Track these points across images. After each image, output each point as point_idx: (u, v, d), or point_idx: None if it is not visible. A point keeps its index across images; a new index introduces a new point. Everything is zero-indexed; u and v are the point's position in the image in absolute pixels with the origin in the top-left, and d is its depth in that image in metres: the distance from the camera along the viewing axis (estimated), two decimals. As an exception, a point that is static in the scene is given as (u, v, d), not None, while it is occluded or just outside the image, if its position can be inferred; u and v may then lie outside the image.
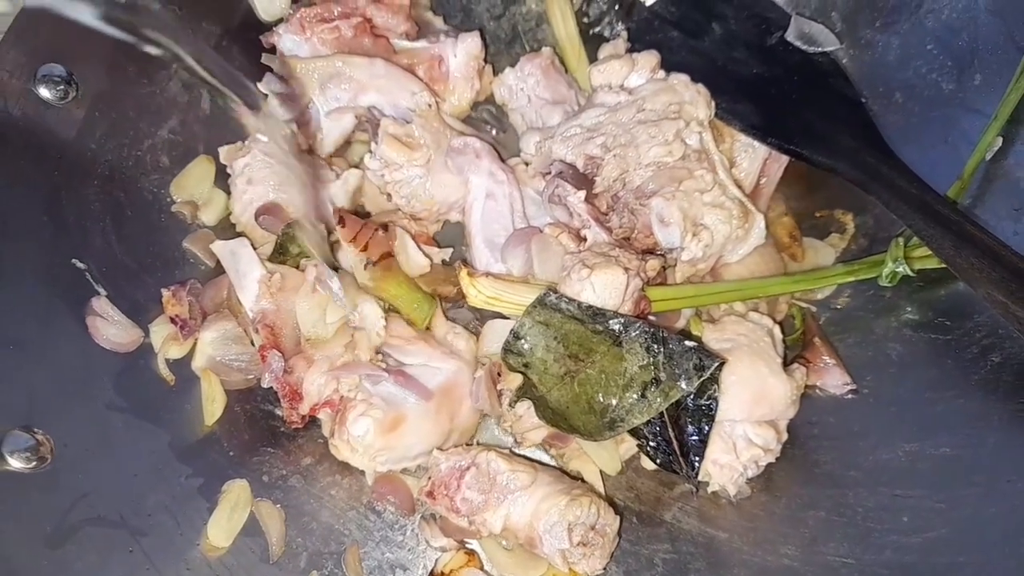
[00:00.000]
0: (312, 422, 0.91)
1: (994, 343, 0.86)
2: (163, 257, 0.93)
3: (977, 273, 0.78)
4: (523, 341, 0.83)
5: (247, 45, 1.00)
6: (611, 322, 0.81)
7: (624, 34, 1.05)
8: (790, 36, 1.01)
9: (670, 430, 0.84)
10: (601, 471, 0.91)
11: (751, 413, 0.86)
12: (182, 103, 0.96)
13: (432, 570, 0.88)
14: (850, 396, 0.92)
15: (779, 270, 0.97)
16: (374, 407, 0.84)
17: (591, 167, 0.93)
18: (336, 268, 0.90)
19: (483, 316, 0.94)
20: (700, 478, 0.87)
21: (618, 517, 0.85)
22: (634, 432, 0.85)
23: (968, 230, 0.80)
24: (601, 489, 0.90)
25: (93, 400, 0.82)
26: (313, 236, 0.92)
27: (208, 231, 0.97)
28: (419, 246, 0.94)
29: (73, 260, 0.85)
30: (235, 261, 0.88)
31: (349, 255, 0.91)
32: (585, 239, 0.90)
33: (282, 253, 0.90)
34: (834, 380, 0.93)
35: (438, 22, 1.08)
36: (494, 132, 1.08)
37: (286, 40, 0.98)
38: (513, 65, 1.04)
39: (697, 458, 0.84)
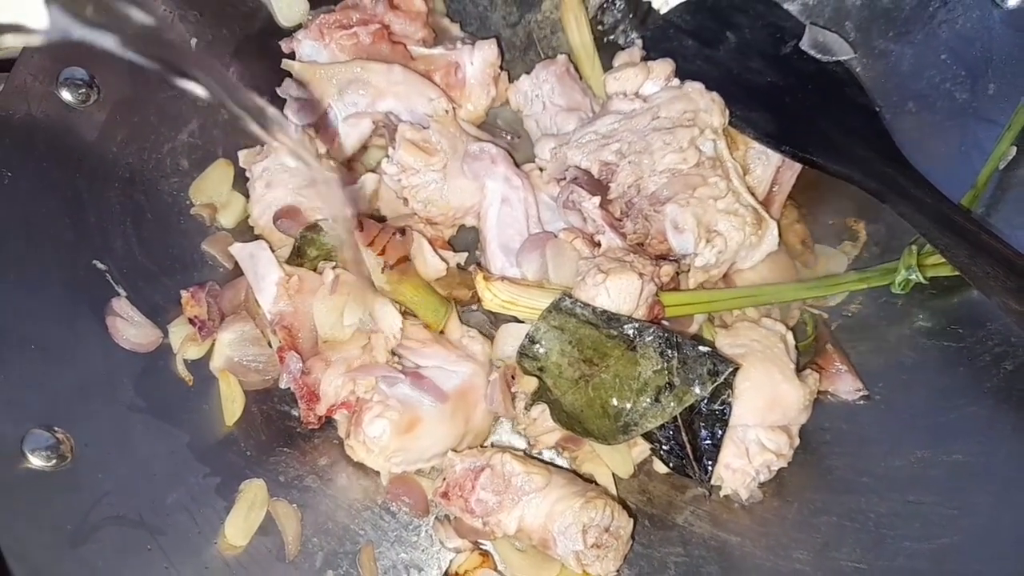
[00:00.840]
0: (328, 423, 0.91)
1: (1007, 351, 0.86)
2: (182, 259, 0.94)
3: (992, 282, 0.78)
4: (538, 345, 0.84)
5: (267, 51, 1.01)
6: (625, 327, 0.81)
7: (639, 42, 1.06)
8: (804, 45, 1.02)
9: (683, 434, 0.84)
10: (614, 474, 0.91)
11: (764, 418, 0.86)
12: (202, 107, 0.97)
13: (446, 571, 0.88)
14: (862, 402, 0.93)
15: (792, 277, 0.97)
16: (390, 409, 0.85)
17: (606, 173, 0.94)
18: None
19: (498, 319, 0.94)
20: (712, 482, 0.87)
21: (632, 519, 0.85)
22: (648, 436, 0.85)
23: (983, 239, 0.81)
24: (614, 492, 0.90)
25: (113, 400, 0.82)
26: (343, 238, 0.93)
27: (227, 234, 0.98)
28: (435, 250, 0.95)
29: (94, 261, 0.86)
30: (253, 263, 0.89)
31: (366, 258, 0.91)
32: (599, 244, 0.91)
33: (300, 256, 0.91)
34: (846, 386, 0.93)
35: (455, 29, 1.09)
36: (509, 138, 1.09)
37: (305, 46, 1.00)
38: (528, 72, 1.05)
39: (710, 462, 0.85)
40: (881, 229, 1.01)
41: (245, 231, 0.98)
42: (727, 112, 0.94)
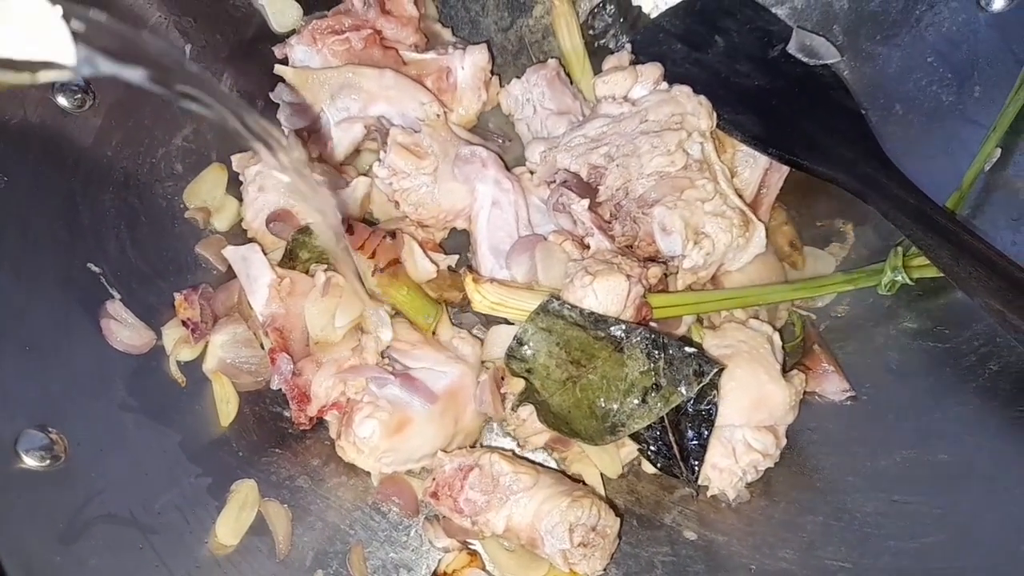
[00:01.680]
0: (319, 424, 0.92)
1: (992, 351, 0.87)
2: (176, 262, 0.95)
3: (974, 282, 0.79)
4: (526, 347, 0.85)
5: (260, 56, 1.02)
6: (613, 328, 0.82)
7: (628, 46, 1.07)
8: (792, 49, 1.02)
9: (670, 435, 0.85)
10: (602, 474, 0.92)
11: (750, 418, 0.87)
12: (196, 112, 0.98)
13: (435, 570, 0.89)
14: (849, 403, 0.94)
15: (779, 278, 0.98)
16: (380, 409, 0.86)
17: (595, 176, 0.95)
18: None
19: (488, 321, 0.95)
20: (700, 482, 0.88)
21: (619, 519, 0.86)
22: (635, 436, 0.86)
23: (965, 240, 0.81)
24: (602, 492, 0.91)
25: (106, 400, 0.83)
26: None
27: (220, 237, 0.99)
28: (426, 253, 0.96)
29: (88, 264, 0.87)
30: (246, 266, 0.90)
31: (357, 261, 0.92)
32: (588, 247, 0.92)
33: (292, 258, 0.92)
34: (833, 387, 0.94)
35: (446, 34, 1.10)
36: (501, 141, 1.10)
37: (298, 51, 1.01)
38: (519, 76, 1.06)
39: (697, 462, 0.85)
40: (869, 231, 1.01)
41: (238, 234, 0.99)
42: (715, 115, 0.95)
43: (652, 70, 0.98)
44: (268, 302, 0.88)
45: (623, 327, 0.82)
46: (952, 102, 0.97)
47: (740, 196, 0.94)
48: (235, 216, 1.00)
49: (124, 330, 0.87)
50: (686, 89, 0.95)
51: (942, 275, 0.84)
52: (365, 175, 1.01)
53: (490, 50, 1.06)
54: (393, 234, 0.93)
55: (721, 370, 0.84)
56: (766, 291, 0.94)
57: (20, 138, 0.84)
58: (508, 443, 0.96)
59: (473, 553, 0.89)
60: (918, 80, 0.99)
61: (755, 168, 0.98)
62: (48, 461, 0.76)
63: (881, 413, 0.92)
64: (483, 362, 0.94)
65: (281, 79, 1.00)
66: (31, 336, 0.81)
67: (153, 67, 0.43)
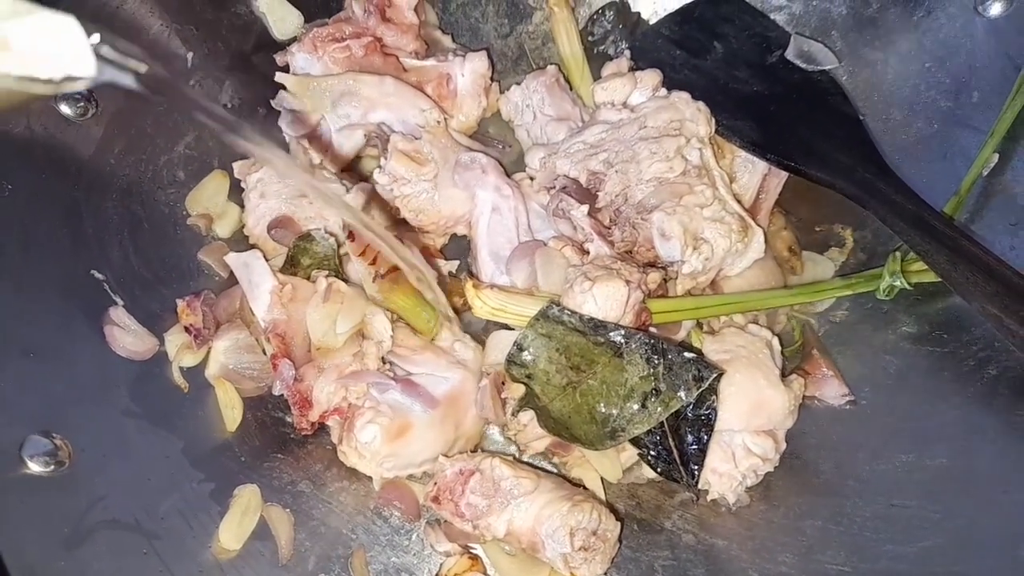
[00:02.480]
0: (321, 429, 0.93)
1: (990, 356, 0.87)
2: (178, 268, 0.96)
3: (971, 287, 0.79)
4: (526, 352, 0.85)
5: (261, 64, 1.03)
6: (612, 334, 0.83)
7: (627, 52, 1.08)
8: (790, 55, 1.03)
9: (670, 439, 0.86)
10: (602, 479, 0.93)
11: (749, 423, 0.88)
12: (197, 120, 0.99)
13: (437, 574, 0.89)
14: (848, 407, 0.94)
15: (779, 283, 0.99)
16: (381, 414, 0.86)
17: (594, 182, 0.95)
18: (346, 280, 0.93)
19: (488, 327, 0.96)
20: (700, 486, 0.88)
21: (619, 523, 0.87)
22: (635, 441, 0.86)
23: (962, 245, 0.82)
24: (602, 496, 0.92)
25: (110, 406, 0.84)
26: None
27: (222, 243, 1.00)
28: (426, 259, 0.96)
29: (92, 271, 0.88)
30: (248, 272, 0.91)
31: (358, 268, 0.93)
32: (588, 252, 0.92)
33: (293, 264, 0.93)
34: (832, 391, 0.95)
35: (447, 41, 1.11)
36: (501, 147, 1.10)
37: (299, 59, 1.01)
38: (519, 83, 1.07)
39: (696, 467, 0.86)
40: (867, 236, 1.02)
41: (240, 241, 1.00)
42: (713, 121, 0.96)
43: (651, 76, 0.99)
44: (270, 308, 0.89)
45: (622, 332, 0.83)
46: (950, 107, 0.97)
47: (739, 201, 0.95)
48: (237, 223, 1.01)
49: (127, 336, 0.87)
50: (685, 95, 0.96)
51: (940, 280, 0.84)
52: (366, 181, 1.01)
53: (490, 57, 1.07)
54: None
55: (720, 375, 0.84)
56: (765, 296, 0.94)
57: (23, 146, 0.84)
58: (508, 448, 0.97)
59: (474, 557, 0.89)
60: (916, 86, 1.00)
61: (754, 173, 0.99)
62: (52, 467, 0.77)
63: (880, 417, 0.92)
64: (483, 367, 0.94)
65: (282, 86, 1.01)
66: (35, 342, 0.81)
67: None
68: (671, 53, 1.06)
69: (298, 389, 0.87)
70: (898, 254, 0.92)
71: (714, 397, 0.85)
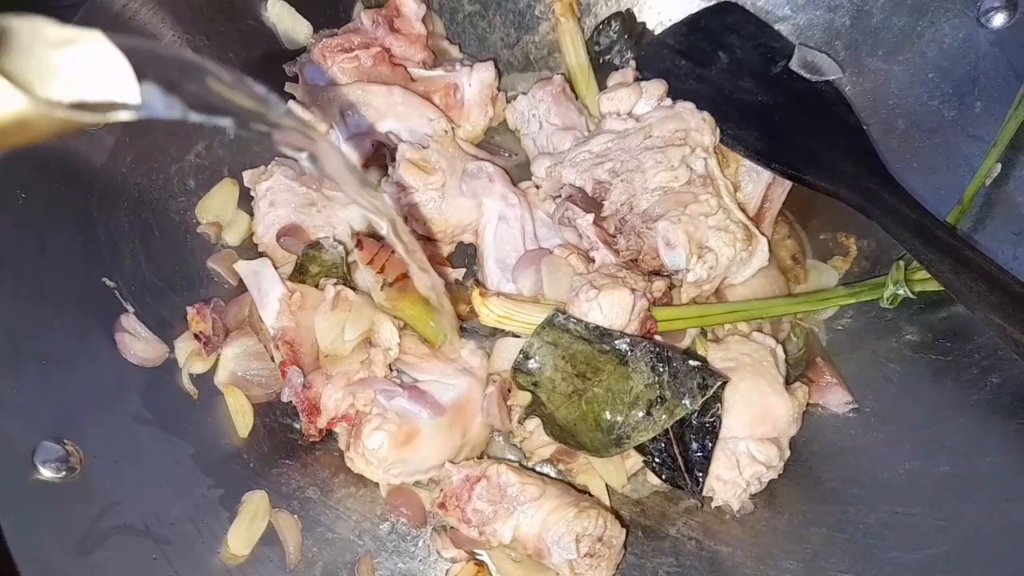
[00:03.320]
0: (329, 436, 0.94)
1: (993, 364, 0.88)
2: (188, 276, 0.97)
3: (975, 296, 0.80)
4: (532, 360, 0.86)
5: (271, 74, 1.04)
6: (617, 342, 0.84)
7: (632, 62, 1.09)
8: (794, 65, 1.04)
9: (675, 447, 0.86)
10: (607, 485, 0.93)
11: (754, 430, 0.88)
12: (208, 129, 1.00)
13: (443, 580, 0.90)
14: (852, 415, 0.95)
15: (783, 291, 0.99)
16: (388, 421, 0.87)
17: (599, 191, 0.96)
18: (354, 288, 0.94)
19: (495, 334, 0.97)
20: (704, 493, 0.89)
21: (624, 529, 0.87)
22: (640, 448, 0.87)
23: (965, 254, 0.83)
24: (608, 503, 0.92)
25: (121, 412, 0.85)
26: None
27: (232, 251, 1.00)
28: (433, 267, 0.97)
29: (104, 279, 0.88)
30: (257, 280, 0.92)
31: (366, 276, 0.94)
32: (594, 260, 0.93)
33: (302, 272, 0.94)
34: (836, 399, 0.95)
35: (454, 51, 1.12)
36: (507, 155, 1.11)
37: (308, 69, 1.03)
38: (526, 92, 1.08)
39: (701, 474, 0.86)
40: (871, 244, 1.03)
41: (249, 249, 1.01)
42: (718, 131, 0.97)
43: (656, 86, 1.00)
44: (279, 316, 0.90)
45: (628, 340, 0.83)
46: (953, 117, 0.98)
47: (743, 210, 0.96)
48: (246, 231, 1.02)
49: (138, 343, 0.88)
50: (689, 105, 0.97)
51: (943, 289, 0.85)
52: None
53: (496, 67, 1.08)
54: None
55: (725, 383, 0.85)
56: (769, 304, 0.95)
57: (38, 157, 0.86)
58: (515, 455, 0.97)
59: (480, 563, 0.90)
60: (919, 96, 1.01)
61: (758, 183, 1.00)
62: (64, 472, 0.77)
63: (884, 425, 0.93)
64: (490, 375, 0.95)
65: (292, 96, 1.02)
66: (48, 349, 0.82)
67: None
68: (676, 63, 1.07)
69: (306, 396, 0.88)
70: (901, 263, 0.93)
71: (719, 405, 0.86)
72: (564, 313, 0.86)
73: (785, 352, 0.95)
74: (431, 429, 0.89)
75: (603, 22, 1.13)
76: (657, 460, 0.87)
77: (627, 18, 1.12)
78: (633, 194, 0.94)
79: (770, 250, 0.97)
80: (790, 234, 1.04)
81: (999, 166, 0.91)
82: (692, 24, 1.10)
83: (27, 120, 0.34)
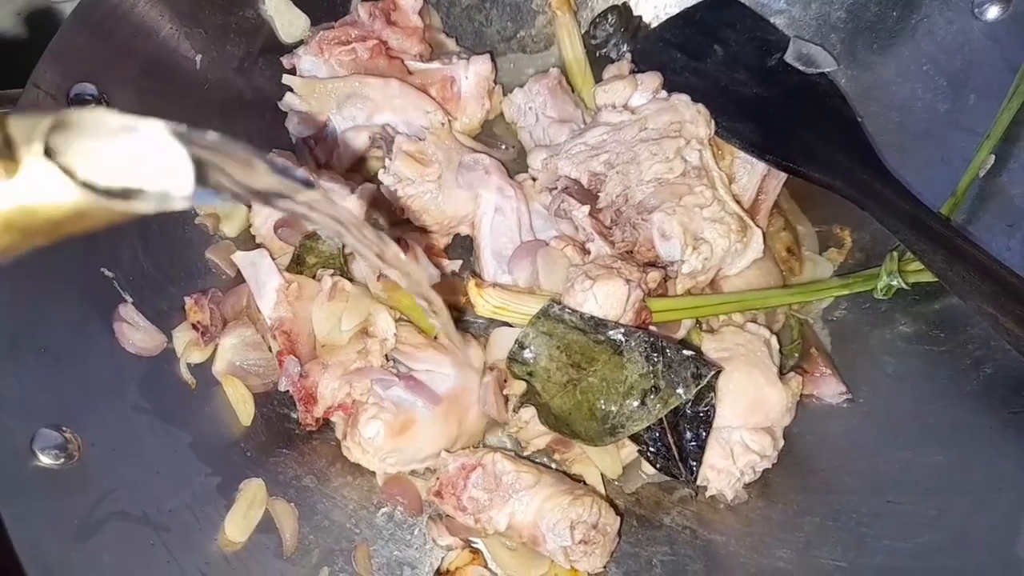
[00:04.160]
0: (326, 425, 0.94)
1: (986, 355, 0.88)
2: (186, 267, 0.97)
3: (967, 287, 0.80)
4: (527, 350, 0.87)
5: (269, 66, 1.05)
6: (612, 332, 0.84)
7: (628, 55, 1.09)
8: (789, 58, 1.04)
9: (669, 436, 0.87)
10: (603, 474, 0.94)
11: (747, 420, 0.89)
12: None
13: (438, 568, 0.91)
14: (846, 405, 0.95)
15: (778, 282, 1.00)
16: (385, 410, 0.88)
17: (595, 183, 0.97)
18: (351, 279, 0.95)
19: (491, 324, 0.97)
20: (699, 483, 0.89)
21: (619, 517, 0.88)
22: (635, 438, 0.88)
23: (958, 245, 0.83)
24: (603, 492, 0.93)
25: (119, 401, 0.85)
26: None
27: (229, 242, 1.01)
28: (430, 258, 0.98)
29: (102, 269, 0.89)
30: (255, 271, 0.93)
31: (363, 266, 0.95)
32: (589, 252, 0.93)
33: (299, 263, 0.95)
34: (830, 390, 0.96)
35: (451, 44, 1.13)
36: (504, 148, 1.12)
37: (306, 62, 1.03)
38: (522, 85, 1.09)
39: (695, 463, 0.87)
40: (866, 236, 1.03)
41: (247, 240, 1.01)
42: (713, 123, 0.97)
43: (651, 79, 1.00)
44: (276, 306, 0.90)
45: (622, 331, 0.84)
46: (947, 110, 0.98)
47: (738, 202, 0.96)
48: (244, 222, 1.02)
49: (136, 333, 0.89)
50: (685, 97, 0.97)
51: (937, 280, 0.85)
52: (370, 182, 1.03)
53: (493, 60, 1.08)
54: (398, 240, 0.95)
55: (718, 372, 0.86)
56: (764, 295, 0.95)
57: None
58: (509, 445, 0.98)
59: (476, 551, 0.91)
60: (914, 88, 1.01)
61: (753, 174, 1.00)
62: (63, 460, 0.78)
63: (877, 415, 0.93)
64: (486, 365, 0.95)
65: (289, 88, 1.02)
66: (47, 339, 0.83)
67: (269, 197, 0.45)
68: (672, 56, 1.07)
69: (303, 385, 0.89)
70: (895, 254, 0.93)
71: (712, 394, 0.86)
72: (559, 303, 0.87)
73: (780, 343, 0.95)
74: (427, 418, 0.89)
75: (599, 15, 1.13)
76: (652, 450, 0.88)
77: (623, 11, 1.13)
78: (628, 186, 0.95)
79: (765, 241, 0.97)
80: (785, 226, 1.05)
81: (993, 158, 0.92)
82: (688, 17, 1.10)
83: (86, 212, 0.34)
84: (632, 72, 1.04)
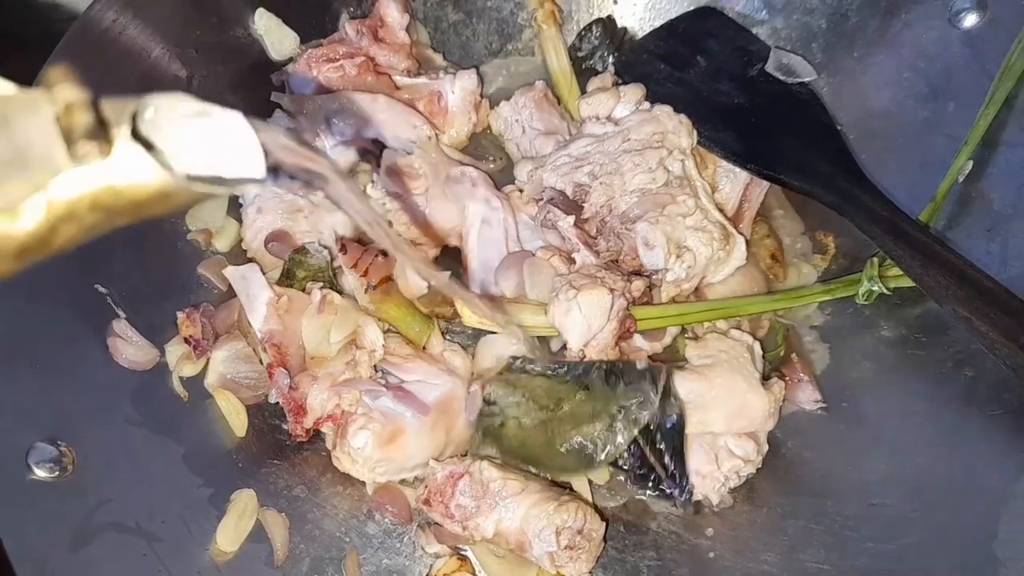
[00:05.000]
0: (316, 435, 0.96)
1: (967, 358, 0.89)
2: (179, 282, 0.99)
3: (943, 291, 0.81)
4: (495, 406, 0.90)
5: (259, 83, 1.07)
6: (572, 370, 0.88)
7: (612, 67, 1.11)
8: (770, 68, 1.06)
9: (649, 455, 0.87)
10: (590, 480, 0.95)
11: (731, 425, 0.90)
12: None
13: (427, 575, 0.92)
14: (827, 410, 0.96)
15: (762, 289, 1.01)
16: (373, 421, 0.89)
17: (580, 194, 0.98)
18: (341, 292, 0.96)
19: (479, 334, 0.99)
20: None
21: (604, 522, 0.89)
22: (616, 465, 0.88)
23: (935, 250, 0.84)
24: (589, 498, 0.94)
25: (113, 415, 0.87)
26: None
27: (221, 257, 1.02)
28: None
29: (96, 285, 0.91)
30: (246, 285, 0.94)
31: (351, 280, 0.96)
32: (575, 262, 0.95)
33: (289, 277, 0.96)
34: (806, 396, 0.97)
35: (438, 59, 1.14)
36: (492, 160, 1.13)
37: (295, 79, 1.05)
38: (508, 99, 1.10)
39: (683, 477, 0.88)
40: (850, 241, 1.04)
41: (238, 255, 1.03)
42: (695, 133, 0.98)
43: (634, 91, 1.02)
44: (267, 319, 0.92)
45: (581, 367, 0.87)
46: (926, 117, 0.99)
47: (721, 210, 0.98)
48: (235, 237, 1.04)
49: (129, 348, 0.90)
50: (667, 108, 0.99)
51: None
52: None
53: (479, 74, 1.10)
54: (385, 253, 0.96)
55: (670, 371, 0.88)
56: (747, 302, 0.97)
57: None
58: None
59: (464, 558, 0.92)
60: (894, 96, 1.02)
61: (735, 183, 1.01)
62: (57, 472, 0.80)
63: (861, 419, 0.94)
64: (473, 374, 0.97)
65: (279, 106, 1.04)
66: (42, 354, 0.85)
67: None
68: (655, 67, 1.08)
69: (293, 397, 0.90)
70: (876, 260, 0.94)
71: (675, 402, 0.88)
72: (518, 358, 0.91)
73: (764, 349, 0.96)
74: (416, 428, 0.91)
75: (585, 28, 1.15)
76: (640, 473, 0.87)
77: (608, 24, 1.14)
78: (612, 196, 0.96)
79: (749, 248, 0.98)
80: (769, 232, 1.06)
81: (971, 163, 0.93)
82: (671, 29, 1.12)
83: (167, 193, 0.36)
84: (615, 84, 1.06)
